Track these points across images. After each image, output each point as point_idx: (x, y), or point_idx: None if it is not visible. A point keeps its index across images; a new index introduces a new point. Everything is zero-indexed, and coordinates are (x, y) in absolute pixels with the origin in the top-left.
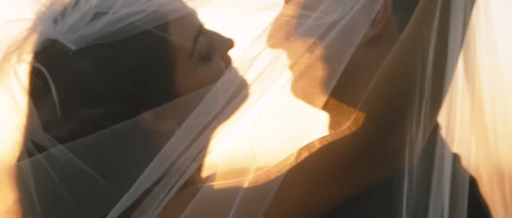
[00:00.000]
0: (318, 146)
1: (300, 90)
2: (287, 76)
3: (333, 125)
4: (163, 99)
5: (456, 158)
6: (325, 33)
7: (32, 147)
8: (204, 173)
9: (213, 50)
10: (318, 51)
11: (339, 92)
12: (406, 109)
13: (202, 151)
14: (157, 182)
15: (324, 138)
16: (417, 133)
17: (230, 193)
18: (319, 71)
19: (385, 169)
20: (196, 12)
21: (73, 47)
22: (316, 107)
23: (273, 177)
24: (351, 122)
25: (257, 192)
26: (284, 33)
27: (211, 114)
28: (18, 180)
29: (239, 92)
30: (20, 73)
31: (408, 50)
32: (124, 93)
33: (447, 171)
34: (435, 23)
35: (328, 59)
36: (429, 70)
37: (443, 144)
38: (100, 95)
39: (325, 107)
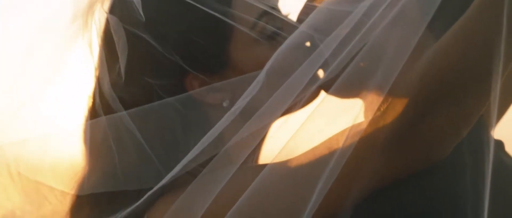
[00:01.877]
0: (369, 129)
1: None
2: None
3: (367, 110)
4: (214, 68)
5: (499, 145)
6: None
7: (99, 104)
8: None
9: (278, 34)
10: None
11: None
12: (454, 96)
13: (254, 135)
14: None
15: (372, 121)
16: (462, 121)
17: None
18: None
19: (427, 155)
20: None
21: None
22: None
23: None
24: (388, 106)
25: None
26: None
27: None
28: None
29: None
30: (101, 26)
31: (469, 36)
32: (178, 61)
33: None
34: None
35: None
36: (492, 58)
37: (487, 132)
38: (162, 65)
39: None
